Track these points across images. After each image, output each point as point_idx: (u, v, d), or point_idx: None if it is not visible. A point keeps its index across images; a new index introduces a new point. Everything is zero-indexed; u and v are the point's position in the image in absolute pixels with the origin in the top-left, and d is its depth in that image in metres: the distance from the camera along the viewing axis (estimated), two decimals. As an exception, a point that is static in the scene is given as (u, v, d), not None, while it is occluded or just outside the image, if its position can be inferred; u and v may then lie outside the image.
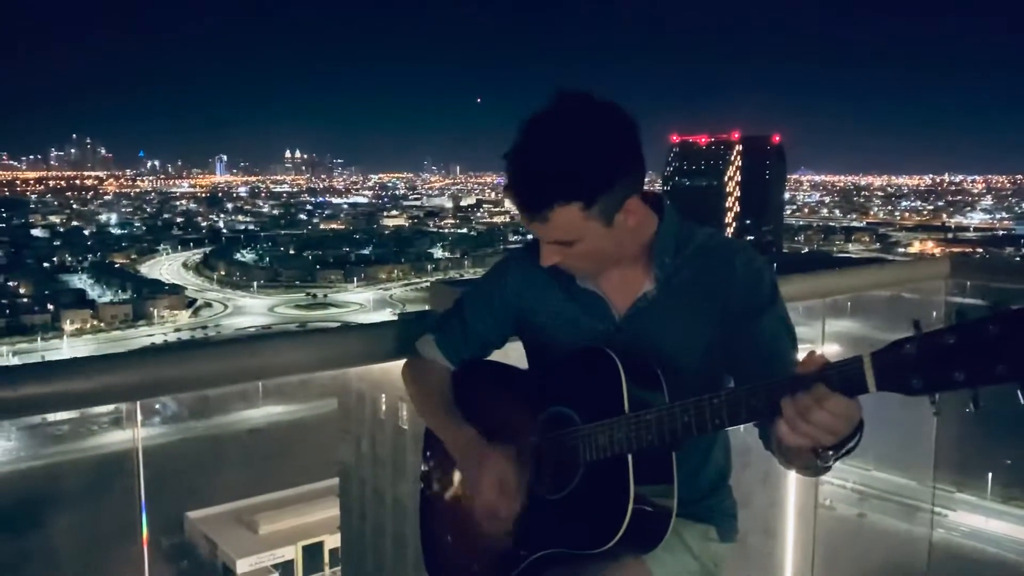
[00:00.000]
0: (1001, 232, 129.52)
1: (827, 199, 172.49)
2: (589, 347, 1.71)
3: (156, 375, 1.94)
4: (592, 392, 1.67)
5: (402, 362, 2.10)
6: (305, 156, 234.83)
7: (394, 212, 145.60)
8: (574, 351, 1.76)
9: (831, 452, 1.41)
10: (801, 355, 1.75)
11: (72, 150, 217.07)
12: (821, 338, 3.19)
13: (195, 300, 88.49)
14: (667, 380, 1.64)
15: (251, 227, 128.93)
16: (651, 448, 1.56)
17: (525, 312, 1.92)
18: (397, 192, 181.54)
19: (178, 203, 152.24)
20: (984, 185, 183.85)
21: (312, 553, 20.36)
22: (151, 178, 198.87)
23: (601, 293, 1.81)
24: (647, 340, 1.75)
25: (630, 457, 1.58)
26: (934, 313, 3.71)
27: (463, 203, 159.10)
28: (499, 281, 1.96)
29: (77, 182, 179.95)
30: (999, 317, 1.20)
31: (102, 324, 76.62)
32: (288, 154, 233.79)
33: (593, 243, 1.68)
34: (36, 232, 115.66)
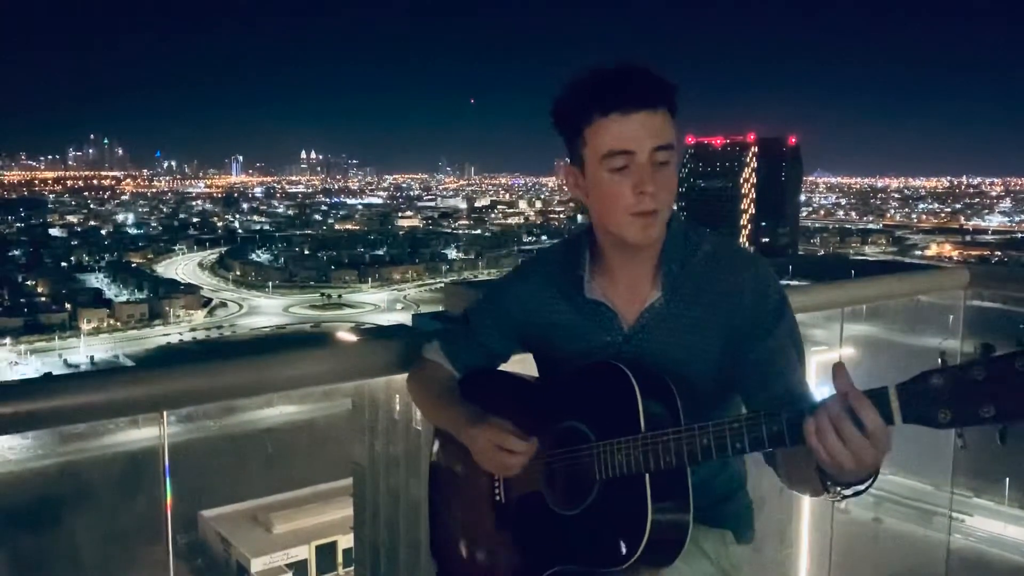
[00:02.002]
0: (1020, 235, 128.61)
1: (843, 201, 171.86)
2: (603, 362, 1.68)
3: (182, 386, 1.97)
4: (607, 408, 1.65)
5: None
6: (320, 157, 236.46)
7: (409, 213, 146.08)
8: (587, 365, 1.73)
9: (838, 488, 1.40)
10: (818, 357, 1.76)
11: (90, 150, 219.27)
12: (839, 341, 3.16)
13: (211, 300, 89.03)
14: (680, 393, 1.61)
15: (266, 227, 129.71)
16: (669, 468, 1.54)
17: (531, 326, 1.89)
18: (412, 193, 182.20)
19: (194, 203, 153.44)
20: (1003, 187, 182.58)
21: (325, 553, 20.42)
22: (167, 178, 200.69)
23: (609, 303, 1.78)
24: (655, 351, 1.73)
25: (647, 476, 1.56)
26: (951, 317, 3.68)
27: (477, 204, 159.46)
28: (504, 294, 1.94)
29: (94, 182, 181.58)
30: None
31: (118, 323, 77.18)
32: (303, 155, 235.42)
33: (675, 167, 1.69)
34: (54, 231, 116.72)
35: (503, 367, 2.04)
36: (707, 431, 1.49)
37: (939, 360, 1.23)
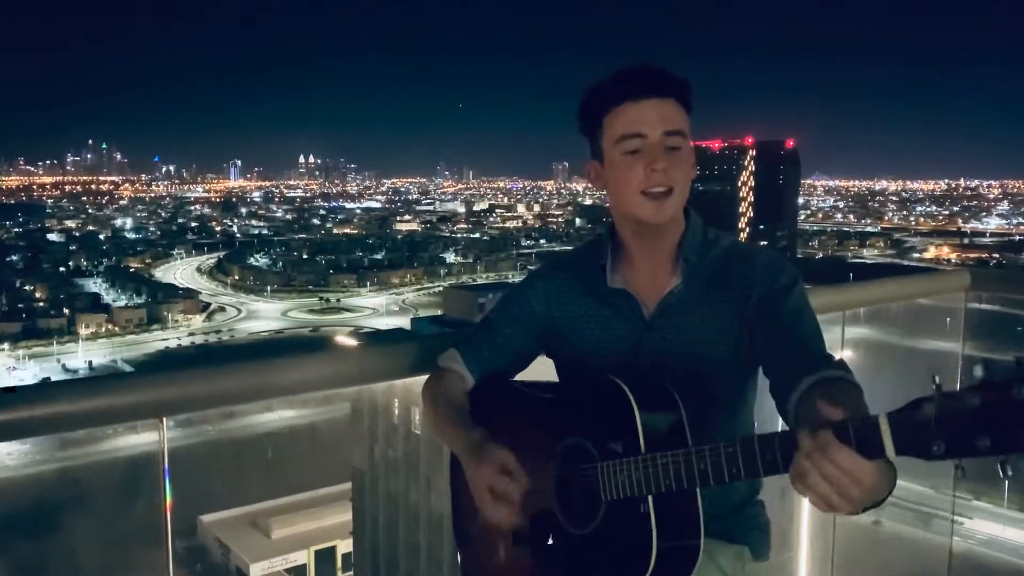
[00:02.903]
0: (1018, 237, 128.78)
1: (841, 204, 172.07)
2: (604, 378, 1.65)
3: (183, 392, 1.96)
4: (607, 427, 1.63)
5: (420, 377, 2.08)
6: (319, 161, 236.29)
7: (407, 217, 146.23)
8: (592, 379, 1.71)
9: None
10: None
11: (88, 155, 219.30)
12: (840, 344, 3.16)
13: (209, 304, 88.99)
14: (695, 379, 1.64)
15: (265, 232, 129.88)
16: (669, 491, 1.51)
17: (554, 321, 1.93)
18: (410, 197, 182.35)
19: (192, 208, 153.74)
20: (1000, 190, 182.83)
21: (324, 558, 20.39)
22: (166, 183, 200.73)
23: (631, 291, 1.84)
24: (675, 336, 1.79)
25: (651, 498, 1.54)
26: (947, 319, 3.68)
27: (476, 208, 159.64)
28: (525, 293, 1.97)
29: (93, 187, 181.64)
30: None
31: (117, 328, 77.11)
32: (302, 159, 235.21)
33: (689, 154, 1.78)
34: (52, 236, 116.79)
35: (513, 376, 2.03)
36: (704, 456, 1.45)
37: (933, 385, 1.17)
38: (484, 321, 2.01)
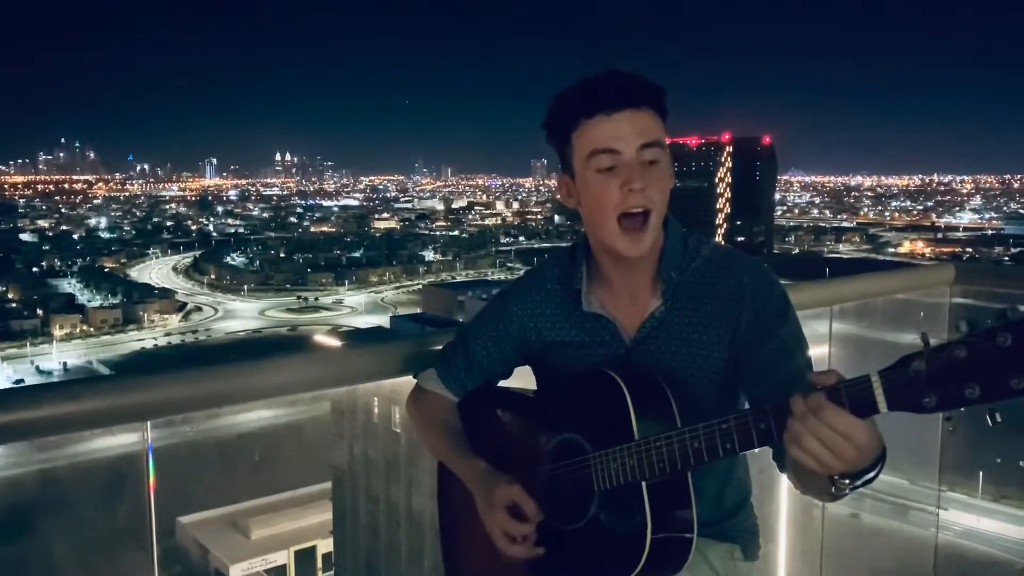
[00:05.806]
0: (990, 232, 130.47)
1: (817, 200, 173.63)
2: (594, 370, 1.66)
3: (166, 395, 1.93)
4: (600, 418, 1.62)
5: (404, 378, 2.07)
6: (295, 159, 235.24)
7: (385, 215, 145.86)
8: (581, 375, 1.71)
9: (846, 480, 1.33)
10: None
11: (61, 154, 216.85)
12: (828, 339, 3.17)
13: (185, 304, 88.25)
14: (679, 399, 1.58)
15: (241, 230, 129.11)
16: (664, 474, 1.51)
17: (531, 343, 1.85)
18: (388, 194, 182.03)
19: (168, 207, 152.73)
20: (973, 185, 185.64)
21: (305, 558, 20.29)
22: (140, 182, 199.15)
23: (608, 315, 1.75)
24: (659, 361, 1.70)
25: (644, 485, 1.53)
26: (922, 313, 3.70)
27: (454, 205, 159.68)
28: (502, 313, 1.89)
29: (66, 186, 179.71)
30: (1010, 326, 1.12)
31: (92, 329, 76.28)
32: (278, 157, 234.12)
33: (667, 166, 1.66)
34: (25, 236, 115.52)
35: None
36: (697, 434, 1.46)
37: (921, 343, 1.20)
38: (461, 339, 1.94)
